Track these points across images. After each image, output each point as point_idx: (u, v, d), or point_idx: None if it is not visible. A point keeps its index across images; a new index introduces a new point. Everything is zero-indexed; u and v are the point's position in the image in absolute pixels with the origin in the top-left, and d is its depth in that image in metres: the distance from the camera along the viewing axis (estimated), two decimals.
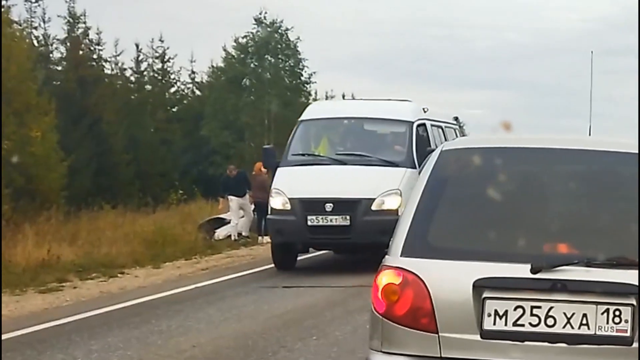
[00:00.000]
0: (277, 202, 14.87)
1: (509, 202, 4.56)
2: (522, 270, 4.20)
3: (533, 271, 4.19)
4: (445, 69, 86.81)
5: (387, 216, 13.89)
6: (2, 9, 23.14)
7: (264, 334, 9.63)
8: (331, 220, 14.48)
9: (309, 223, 14.50)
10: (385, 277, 4.39)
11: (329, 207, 14.45)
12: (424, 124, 16.20)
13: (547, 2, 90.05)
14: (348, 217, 14.44)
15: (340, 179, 14.81)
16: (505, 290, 4.23)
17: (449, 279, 4.31)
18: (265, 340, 9.25)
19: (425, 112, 16.40)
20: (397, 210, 14.09)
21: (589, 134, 7.50)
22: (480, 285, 4.24)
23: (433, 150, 17.39)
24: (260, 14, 39.39)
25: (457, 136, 18.23)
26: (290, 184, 14.86)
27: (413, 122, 15.77)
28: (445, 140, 16.76)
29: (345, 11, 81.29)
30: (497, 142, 4.94)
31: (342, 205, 14.46)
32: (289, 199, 14.67)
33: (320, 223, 14.50)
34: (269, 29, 39.27)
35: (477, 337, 4.24)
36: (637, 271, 4.17)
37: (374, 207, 14.43)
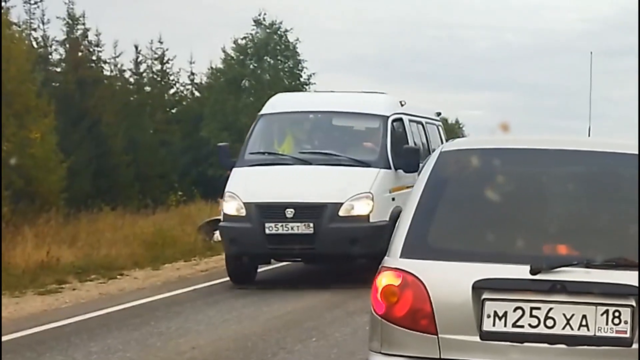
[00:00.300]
0: (230, 207, 13.17)
1: (508, 203, 4.56)
2: (521, 272, 4.20)
3: (532, 272, 4.19)
4: (444, 69, 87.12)
5: (356, 223, 12.74)
6: (2, 11, 23.11)
7: (264, 335, 9.63)
8: (292, 228, 12.78)
9: (267, 231, 12.80)
10: (385, 279, 4.39)
11: (289, 212, 12.76)
12: (400, 119, 14.43)
13: (546, 2, 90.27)
14: (312, 225, 12.73)
15: (304, 181, 13.15)
16: (505, 291, 4.23)
17: (449, 280, 4.31)
18: (265, 342, 9.25)
19: (402, 105, 14.74)
20: (367, 216, 12.85)
21: (589, 135, 7.51)
22: (479, 287, 4.24)
23: (411, 149, 16.97)
24: (259, 15, 39.41)
25: (440, 133, 16.98)
26: (246, 187, 13.18)
27: (388, 117, 14.01)
28: (427, 137, 15.77)
29: (344, 11, 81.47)
30: (497, 143, 4.94)
31: (305, 211, 12.77)
32: (244, 203, 12.98)
33: (280, 231, 12.80)
34: (268, 31, 39.26)
35: (477, 339, 4.25)
36: (636, 272, 4.17)
37: (341, 213, 12.78)
